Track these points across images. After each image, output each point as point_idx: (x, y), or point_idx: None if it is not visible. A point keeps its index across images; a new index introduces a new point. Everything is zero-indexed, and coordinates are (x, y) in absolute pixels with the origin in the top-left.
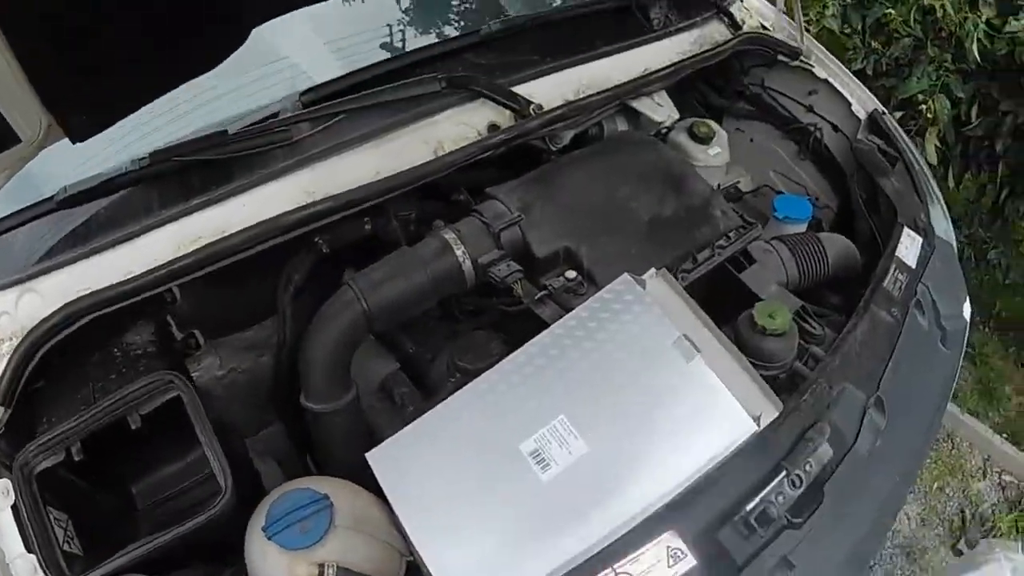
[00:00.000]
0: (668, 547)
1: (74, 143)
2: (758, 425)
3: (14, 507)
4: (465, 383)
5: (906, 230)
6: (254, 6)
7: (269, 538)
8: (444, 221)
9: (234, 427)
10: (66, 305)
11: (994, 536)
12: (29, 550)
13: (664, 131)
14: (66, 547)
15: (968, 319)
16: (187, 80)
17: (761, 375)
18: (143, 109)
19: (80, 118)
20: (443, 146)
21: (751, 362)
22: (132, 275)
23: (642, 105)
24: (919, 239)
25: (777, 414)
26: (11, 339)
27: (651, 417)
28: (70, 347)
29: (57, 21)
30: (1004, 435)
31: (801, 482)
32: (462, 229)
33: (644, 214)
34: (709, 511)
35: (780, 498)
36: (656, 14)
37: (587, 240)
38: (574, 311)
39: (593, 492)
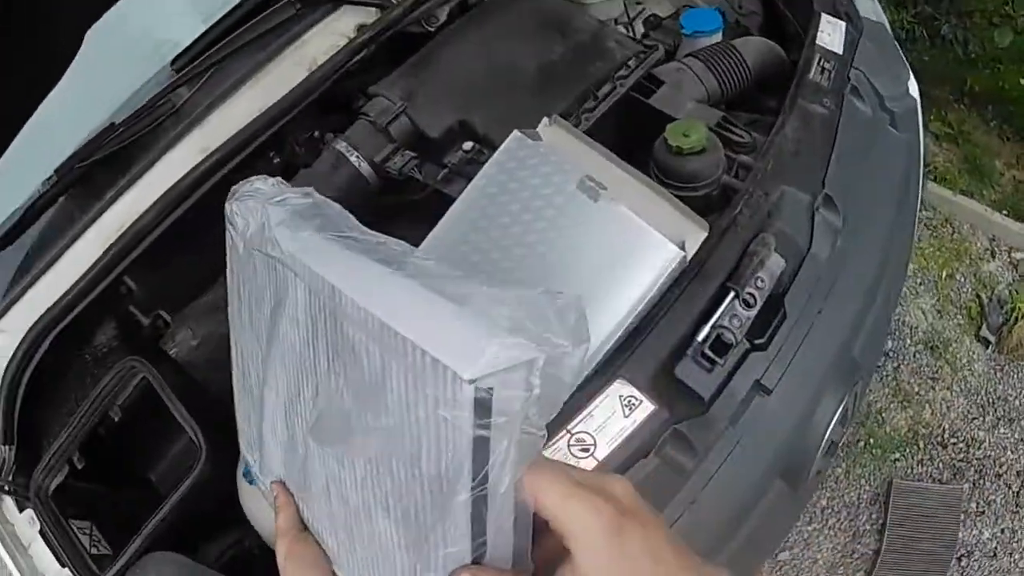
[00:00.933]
0: (620, 396)
1: None
2: (684, 250)
3: (41, 532)
4: None
5: (824, 16)
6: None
7: (250, 482)
8: (331, 133)
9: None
10: (28, 331)
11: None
12: (63, 565)
13: None
14: (94, 551)
15: (917, 96)
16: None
17: (688, 197)
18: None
19: None
20: (316, 62)
21: (675, 186)
22: (73, 281)
23: None
24: (841, 24)
25: (705, 235)
26: None
27: (572, 269)
28: (47, 372)
29: None
30: (1004, 212)
31: (755, 300)
32: (351, 135)
33: (532, 66)
34: (658, 350)
35: (734, 321)
36: None
37: (478, 107)
38: (473, 181)
39: None
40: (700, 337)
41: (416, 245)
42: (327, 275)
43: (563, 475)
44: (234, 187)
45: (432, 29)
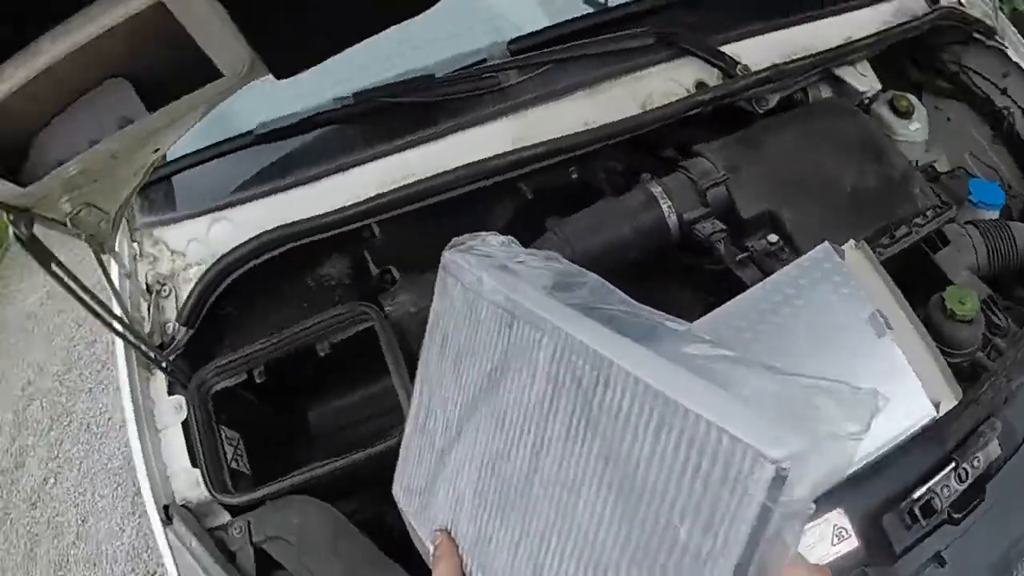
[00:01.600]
0: (835, 525)
1: (278, 79)
2: (937, 412)
3: (185, 423)
4: None
5: None
6: None
7: None
8: (651, 175)
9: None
10: (262, 234)
11: None
12: (194, 465)
13: (866, 101)
14: (234, 464)
15: None
16: (396, 22)
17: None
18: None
19: (284, 55)
20: (651, 100)
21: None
22: (335, 208)
23: (846, 73)
24: None
25: (956, 403)
26: (199, 264)
27: None
28: (260, 275)
29: None
30: None
31: (967, 476)
32: (669, 184)
33: (846, 184)
34: (877, 494)
35: (945, 491)
36: None
37: (790, 205)
38: (773, 276)
39: None
40: (915, 495)
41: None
42: (594, 343)
43: None
44: (458, 238)
45: (760, 111)
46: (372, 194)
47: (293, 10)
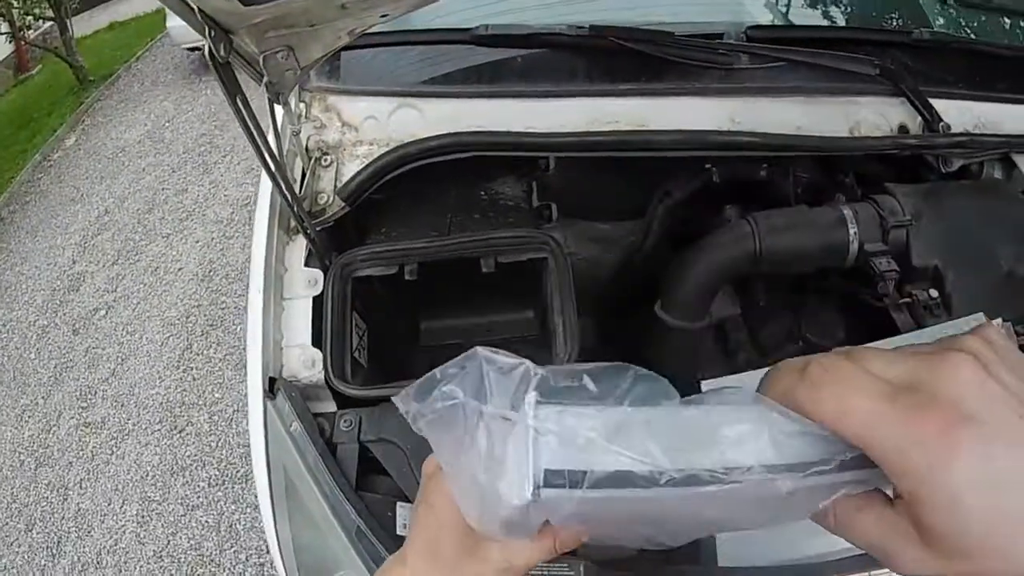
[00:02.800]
0: None
1: None
2: None
3: (317, 299)
4: (805, 354)
5: None
6: None
7: None
8: (842, 196)
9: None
10: (456, 133)
11: None
12: (315, 344)
13: None
14: (356, 354)
15: None
16: None
17: None
18: None
19: None
20: (859, 128)
21: None
22: (534, 130)
23: (1021, 161)
24: None
25: None
26: (371, 144)
27: None
28: (433, 174)
29: None
30: None
31: None
32: (859, 211)
33: (1003, 264)
34: None
35: None
36: None
37: (955, 268)
38: (929, 328)
39: None
40: None
41: (833, 335)
42: None
43: (869, 383)
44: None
45: (944, 171)
46: (581, 128)
47: None
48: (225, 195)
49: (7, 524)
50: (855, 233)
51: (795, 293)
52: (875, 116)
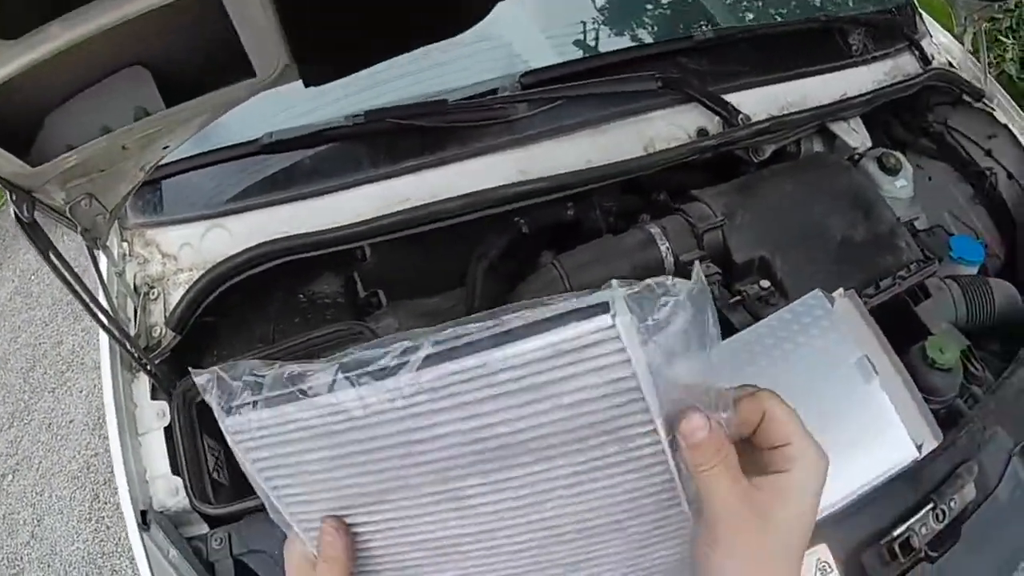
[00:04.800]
0: (818, 559)
1: (306, 87)
2: (919, 452)
3: (167, 429)
4: None
5: None
6: None
7: None
8: (647, 216)
9: None
10: (259, 245)
11: None
12: (175, 472)
13: (856, 157)
14: (215, 475)
15: None
16: (430, 42)
17: None
18: None
19: (319, 64)
20: (654, 144)
21: None
22: (334, 225)
23: (839, 128)
24: None
25: (936, 445)
26: (191, 270)
27: (824, 431)
28: (251, 287)
29: None
30: None
31: (944, 516)
32: (667, 226)
33: (836, 235)
34: (859, 531)
35: (923, 529)
36: (854, 40)
37: (782, 252)
38: (765, 319)
39: None
40: (895, 533)
41: None
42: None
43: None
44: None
45: (756, 160)
46: (371, 215)
47: (336, 19)
48: (98, 339)
49: None
50: (667, 248)
51: None
52: (669, 128)
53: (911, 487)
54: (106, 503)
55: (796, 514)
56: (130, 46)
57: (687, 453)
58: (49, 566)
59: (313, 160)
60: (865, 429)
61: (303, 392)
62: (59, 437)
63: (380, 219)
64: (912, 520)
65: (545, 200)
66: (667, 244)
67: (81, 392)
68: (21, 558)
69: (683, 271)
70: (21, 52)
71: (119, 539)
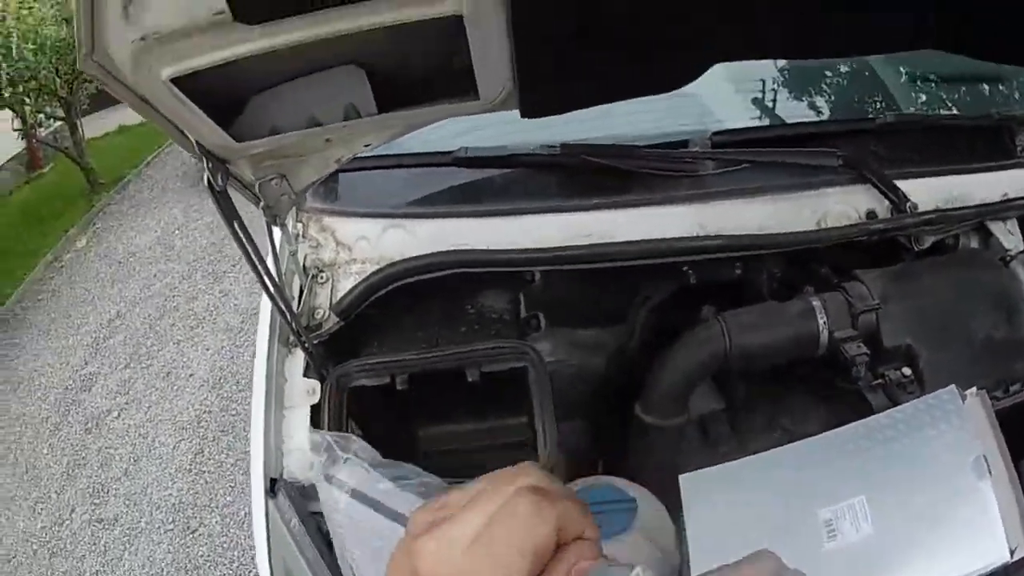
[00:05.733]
0: None
1: (523, 116)
2: (1011, 556)
3: (315, 407)
4: (783, 442)
5: None
6: (728, 43)
7: None
8: (811, 288)
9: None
10: (441, 252)
11: None
12: (311, 449)
13: (1009, 258)
14: None
15: None
16: (650, 93)
17: None
18: None
19: (540, 95)
20: (826, 219)
21: None
22: (515, 247)
23: (996, 228)
24: None
25: None
26: (363, 263)
27: (930, 522)
28: (419, 291)
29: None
30: None
31: None
32: (828, 300)
33: (979, 333)
34: None
35: None
36: (1021, 141)
37: (927, 344)
38: (904, 406)
39: (865, 572)
40: None
41: (809, 422)
42: None
43: None
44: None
45: (916, 249)
46: (553, 243)
47: (567, 58)
48: (235, 304)
49: None
50: (824, 323)
51: (774, 383)
52: (842, 206)
53: None
54: (209, 459)
55: None
56: (358, 49)
57: None
58: (136, 504)
59: (503, 180)
60: (966, 524)
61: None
62: (175, 388)
63: (561, 249)
64: None
65: (718, 257)
66: (824, 319)
67: (208, 350)
68: (108, 490)
69: (834, 347)
70: (257, 38)
71: (214, 495)
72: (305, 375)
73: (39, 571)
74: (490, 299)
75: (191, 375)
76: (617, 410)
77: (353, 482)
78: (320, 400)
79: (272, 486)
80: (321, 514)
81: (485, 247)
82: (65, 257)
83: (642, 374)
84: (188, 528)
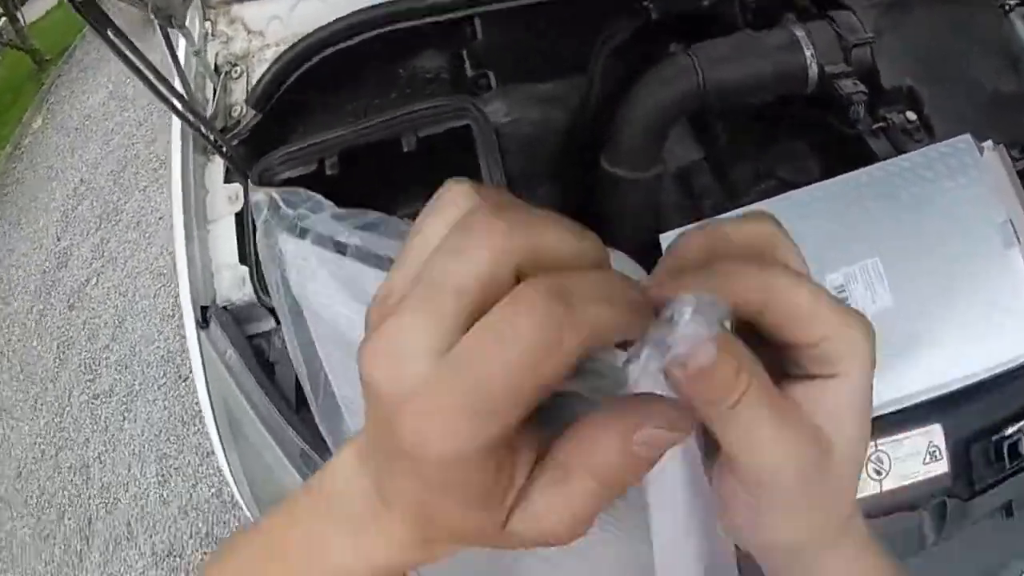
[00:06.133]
0: (930, 442)
1: None
2: None
3: (239, 215)
4: (775, 193)
5: None
6: None
7: None
8: (792, 16)
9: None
10: (354, 13)
11: None
12: (243, 261)
13: (1007, 7)
14: None
15: None
16: None
17: None
18: None
19: None
20: None
21: None
22: None
23: None
24: None
25: None
26: (278, 45)
27: (955, 295)
28: (343, 60)
29: None
30: None
31: None
32: (814, 31)
33: (985, 83)
34: (975, 420)
35: None
36: None
37: (931, 87)
38: (911, 154)
39: (884, 351)
40: (1009, 431)
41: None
42: None
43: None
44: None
45: None
46: None
47: None
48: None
49: (41, 518)
50: (812, 55)
51: (761, 126)
52: None
53: None
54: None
55: (852, 451)
56: None
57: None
58: (127, 367)
59: None
60: (1000, 303)
61: None
62: (147, 235)
63: None
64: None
65: None
66: (812, 51)
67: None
68: (99, 362)
69: (826, 85)
70: None
71: None
72: (226, 181)
73: (47, 473)
74: (424, 60)
75: (160, 219)
76: (586, 168)
77: (321, 229)
78: (243, 205)
79: (204, 315)
80: (260, 335)
81: None
82: (24, 143)
83: (607, 126)
84: (180, 377)
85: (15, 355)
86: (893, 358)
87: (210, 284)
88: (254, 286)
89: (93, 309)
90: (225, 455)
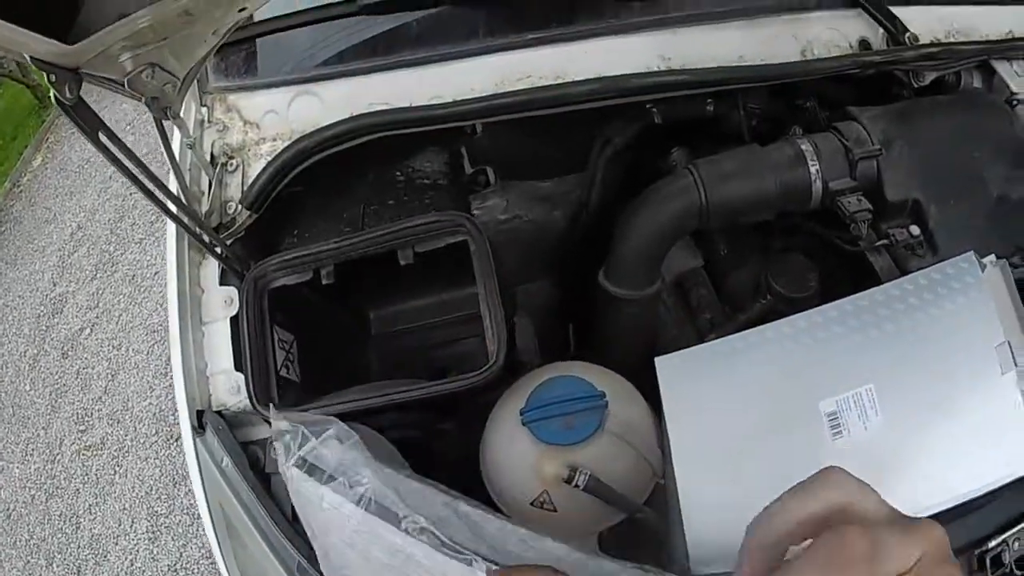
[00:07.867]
0: None
1: None
2: None
3: (235, 319)
4: (775, 308)
5: None
6: None
7: (524, 423)
8: (799, 128)
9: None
10: (356, 117)
11: None
12: (238, 368)
13: (1015, 103)
14: (283, 371)
15: None
16: None
17: None
18: None
19: None
20: (812, 49)
21: None
22: (442, 100)
23: (1002, 68)
24: None
25: None
26: (274, 140)
27: (949, 418)
28: (342, 162)
29: None
30: None
31: None
32: (820, 144)
33: (993, 189)
34: (958, 532)
35: (1017, 545)
36: None
37: (937, 199)
38: (916, 274)
39: (873, 477)
40: (990, 544)
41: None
42: None
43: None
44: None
45: (917, 86)
46: (485, 91)
47: None
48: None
49: (30, 561)
50: (817, 171)
51: (761, 238)
52: (830, 32)
53: (1016, 499)
54: None
55: None
56: None
57: None
58: (119, 421)
59: (421, 24)
60: (990, 426)
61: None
62: (142, 289)
63: (496, 97)
64: (1009, 533)
65: (683, 94)
66: (817, 165)
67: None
68: (91, 414)
69: (830, 199)
70: None
71: None
72: (223, 283)
73: (37, 518)
74: (423, 161)
75: (155, 273)
76: (583, 270)
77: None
78: (238, 309)
79: (200, 419)
80: (256, 442)
81: (407, 104)
82: (23, 180)
83: (607, 233)
84: (172, 436)
85: (8, 397)
86: (878, 483)
87: (205, 388)
88: (249, 392)
89: (87, 359)
90: (224, 562)
